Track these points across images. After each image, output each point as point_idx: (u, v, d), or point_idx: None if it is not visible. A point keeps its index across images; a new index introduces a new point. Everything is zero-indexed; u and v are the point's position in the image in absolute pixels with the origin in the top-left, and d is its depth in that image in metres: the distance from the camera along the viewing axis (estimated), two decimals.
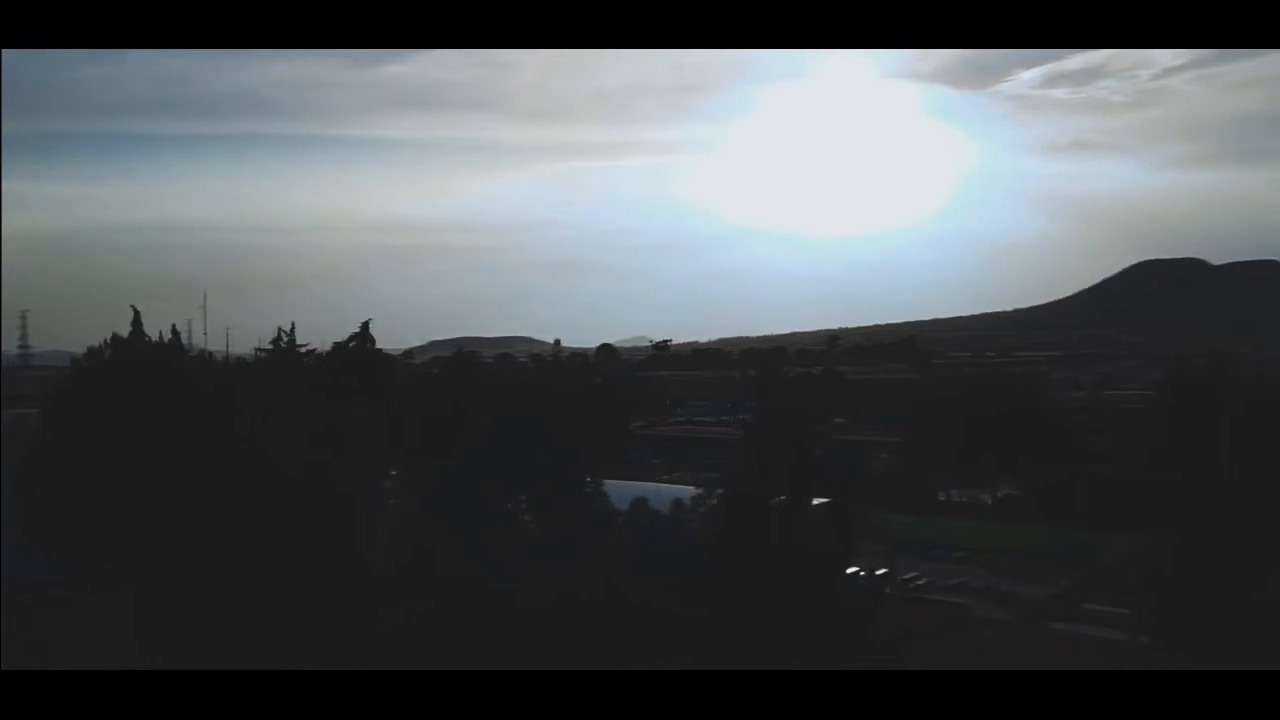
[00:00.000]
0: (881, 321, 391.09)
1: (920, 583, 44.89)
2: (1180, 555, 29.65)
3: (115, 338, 43.70)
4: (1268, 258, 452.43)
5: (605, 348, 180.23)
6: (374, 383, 46.38)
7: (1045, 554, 48.65)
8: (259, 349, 50.03)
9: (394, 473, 39.60)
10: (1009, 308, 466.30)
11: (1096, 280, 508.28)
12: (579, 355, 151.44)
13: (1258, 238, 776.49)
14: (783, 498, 26.22)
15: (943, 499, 67.44)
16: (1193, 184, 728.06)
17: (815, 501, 27.91)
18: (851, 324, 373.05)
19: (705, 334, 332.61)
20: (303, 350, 48.34)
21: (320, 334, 52.86)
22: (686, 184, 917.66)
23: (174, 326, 47.34)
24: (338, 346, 49.94)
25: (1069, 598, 42.14)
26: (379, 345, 52.88)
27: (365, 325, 50.30)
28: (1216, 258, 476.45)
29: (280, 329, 47.02)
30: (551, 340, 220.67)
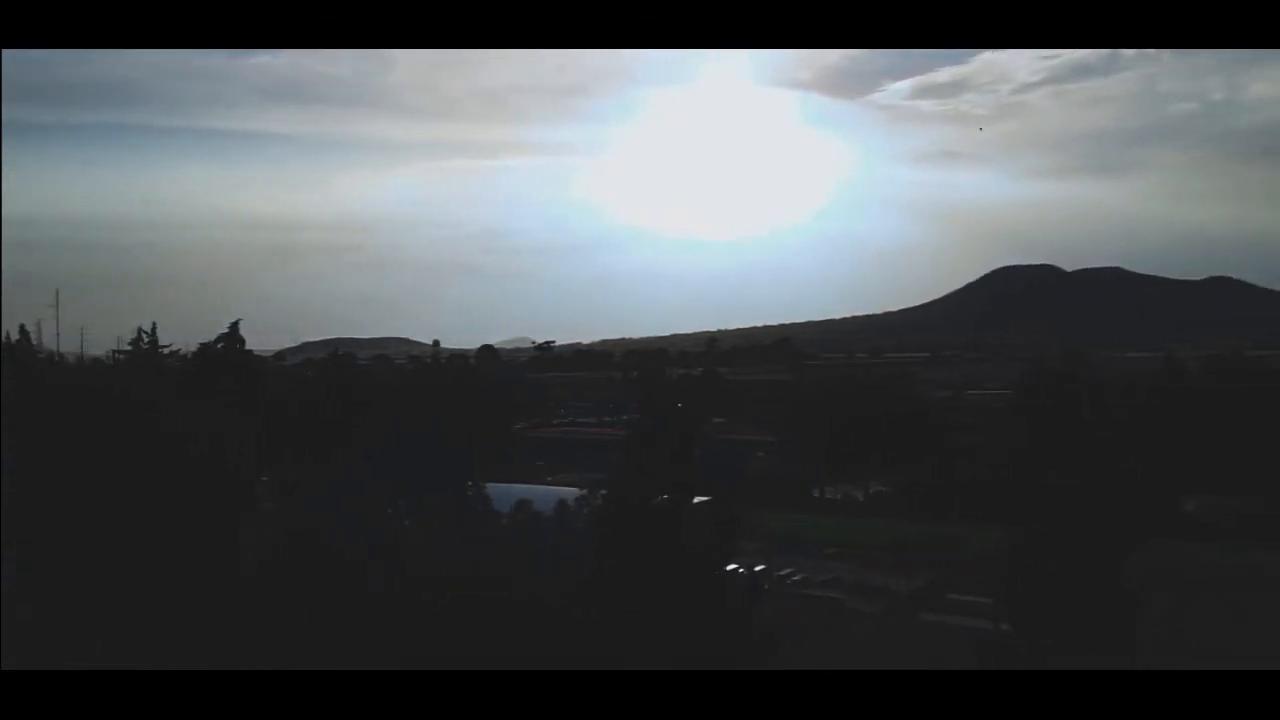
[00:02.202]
0: (758, 323, 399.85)
1: (796, 578, 46.07)
2: (1038, 546, 31.26)
3: None
4: (1114, 264, 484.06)
5: (486, 349, 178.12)
6: (243, 385, 44.66)
7: (913, 548, 50.63)
8: (115, 350, 47.47)
9: (265, 478, 38.23)
10: (879, 310, 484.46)
11: (960, 284, 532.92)
12: (459, 356, 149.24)
13: (1106, 245, 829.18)
14: (665, 497, 26.45)
15: (817, 496, 69.39)
16: (1049, 193, 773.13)
17: (697, 500, 28.26)
18: (730, 326, 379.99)
19: (588, 335, 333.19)
20: (165, 351, 46.16)
21: (188, 335, 50.62)
22: (569, 185, 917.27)
23: (22, 326, 44.57)
24: (204, 347, 47.92)
25: (936, 589, 44.00)
26: (249, 346, 50.97)
27: (234, 325, 48.45)
28: (1069, 264, 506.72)
29: (140, 329, 44.83)
30: (430, 341, 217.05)
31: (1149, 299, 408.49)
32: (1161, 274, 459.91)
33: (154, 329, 44.79)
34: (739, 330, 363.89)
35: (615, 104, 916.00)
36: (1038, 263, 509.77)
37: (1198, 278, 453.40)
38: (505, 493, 31.00)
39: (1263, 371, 63.08)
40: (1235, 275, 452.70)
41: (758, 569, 40.02)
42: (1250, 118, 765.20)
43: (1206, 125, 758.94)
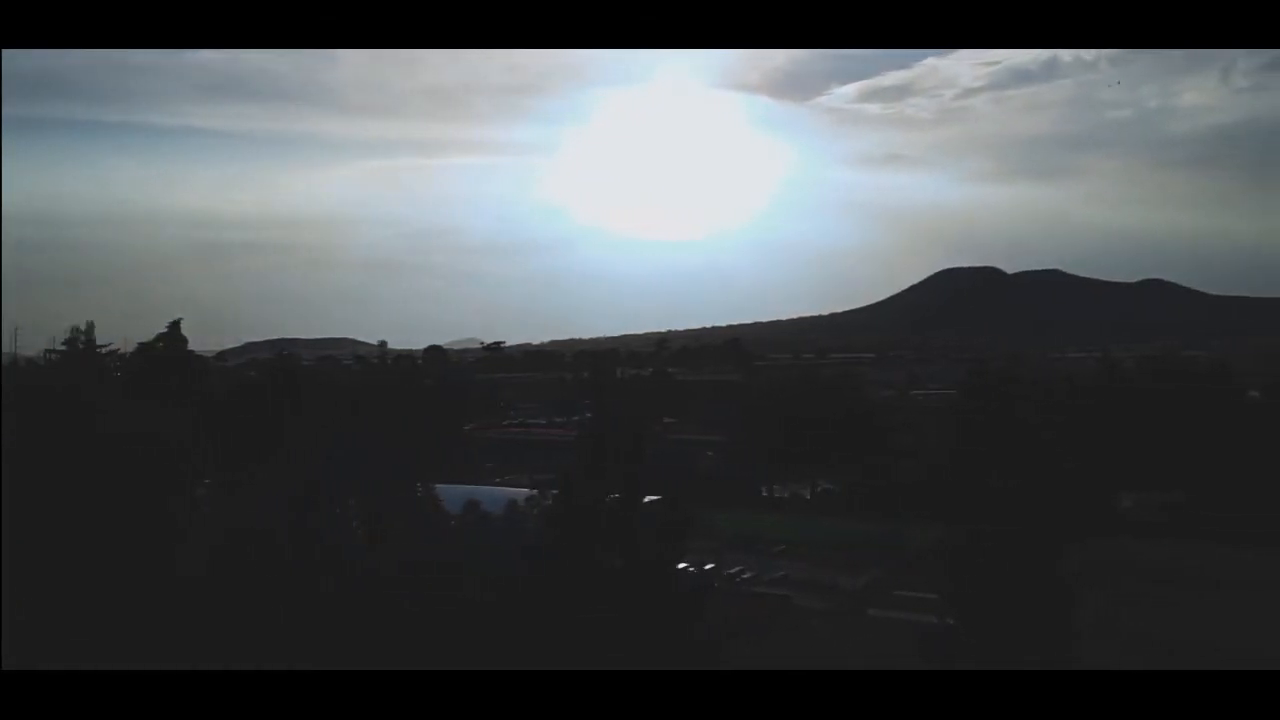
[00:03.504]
0: (708, 324, 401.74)
1: (745, 577, 46.42)
2: (979, 543, 31.88)
3: None
4: (1053, 267, 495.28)
5: (434, 349, 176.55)
6: (185, 385, 43.82)
7: (860, 545, 51.33)
8: (49, 350, 46.25)
9: (207, 480, 37.52)
10: (825, 312, 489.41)
11: (905, 286, 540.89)
12: (407, 357, 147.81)
13: (1045, 248, 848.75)
14: (616, 497, 26.53)
15: (765, 495, 70.01)
16: (991, 197, 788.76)
17: (647, 500, 28.38)
18: (680, 327, 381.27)
19: (538, 336, 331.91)
20: (103, 351, 45.11)
21: (126, 334, 49.51)
22: (519, 184, 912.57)
23: None
24: (144, 347, 46.93)
25: (882, 586, 44.65)
26: (190, 347, 50.00)
27: (175, 324, 47.52)
28: (1010, 266, 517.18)
29: (76, 328, 43.74)
30: (377, 342, 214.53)
31: (1087, 300, 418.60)
32: (1098, 276, 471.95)
33: (90, 328, 43.78)
34: (689, 331, 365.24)
35: (565, 104, 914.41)
36: (980, 265, 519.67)
37: (1133, 280, 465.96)
38: (454, 494, 30.83)
39: (1194, 372, 65.06)
40: (1168, 278, 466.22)
41: (707, 567, 40.26)
42: (1182, 125, 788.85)
43: (1141, 132, 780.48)
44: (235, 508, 29.06)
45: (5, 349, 49.69)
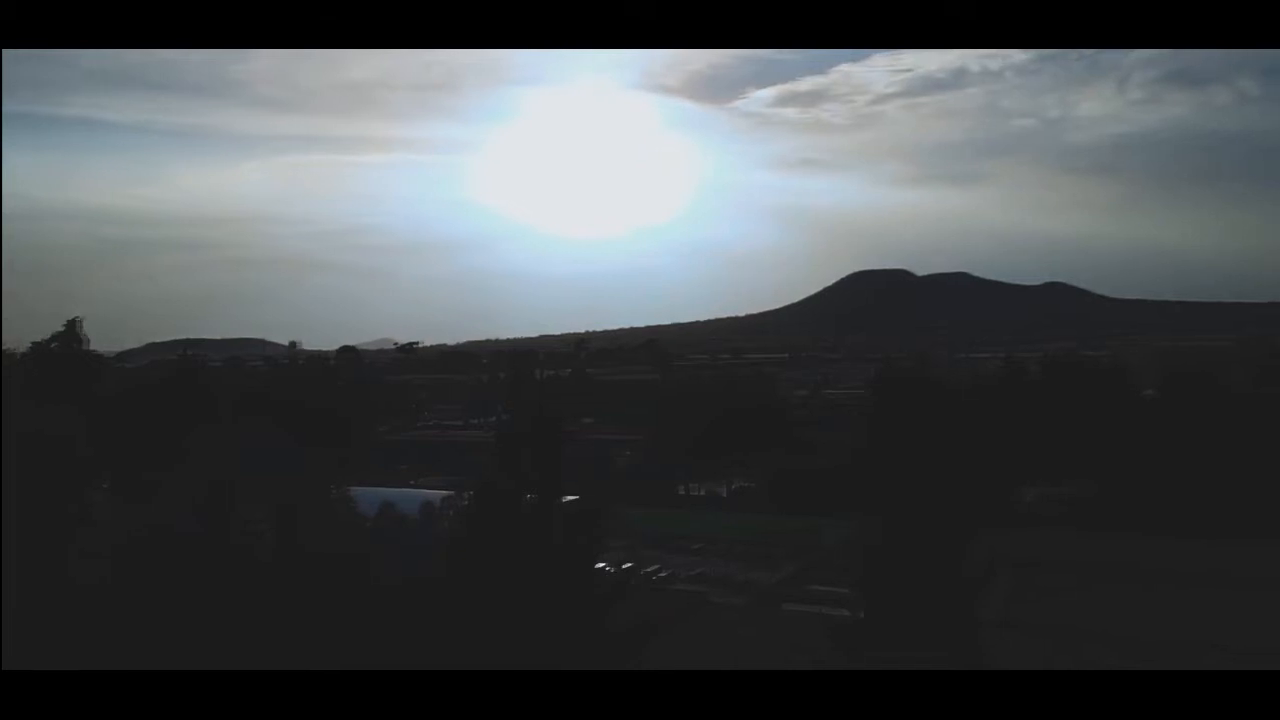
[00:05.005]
0: (626, 325, 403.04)
1: (663, 574, 46.72)
2: (889, 537, 32.69)
3: None
4: (961, 269, 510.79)
5: (347, 350, 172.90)
6: (83, 387, 42.04)
7: (776, 541, 52.13)
8: None
9: (105, 485, 36.14)
10: (741, 313, 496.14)
11: (819, 288, 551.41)
12: (318, 358, 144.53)
13: (953, 251, 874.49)
14: (533, 496, 26.42)
15: (683, 493, 70.56)
16: (901, 201, 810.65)
17: (565, 499, 28.34)
18: (599, 328, 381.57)
19: (454, 336, 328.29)
20: None
21: (19, 333, 47.19)
22: (435, 183, 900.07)
23: None
24: (37, 346, 44.87)
25: (797, 580, 45.43)
26: (90, 347, 47.93)
27: (71, 324, 45.50)
28: (920, 269, 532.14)
29: None
30: (287, 342, 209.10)
31: (992, 302, 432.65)
32: (1003, 279, 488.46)
33: None
34: (607, 332, 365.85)
35: (483, 102, 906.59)
36: (891, 267, 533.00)
37: (1036, 283, 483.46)
38: (368, 496, 30.30)
39: (1093, 371, 67.69)
40: (1068, 281, 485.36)
41: (625, 566, 40.36)
42: (1080, 135, 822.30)
43: (1044, 140, 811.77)
44: (135, 512, 28.06)
45: None
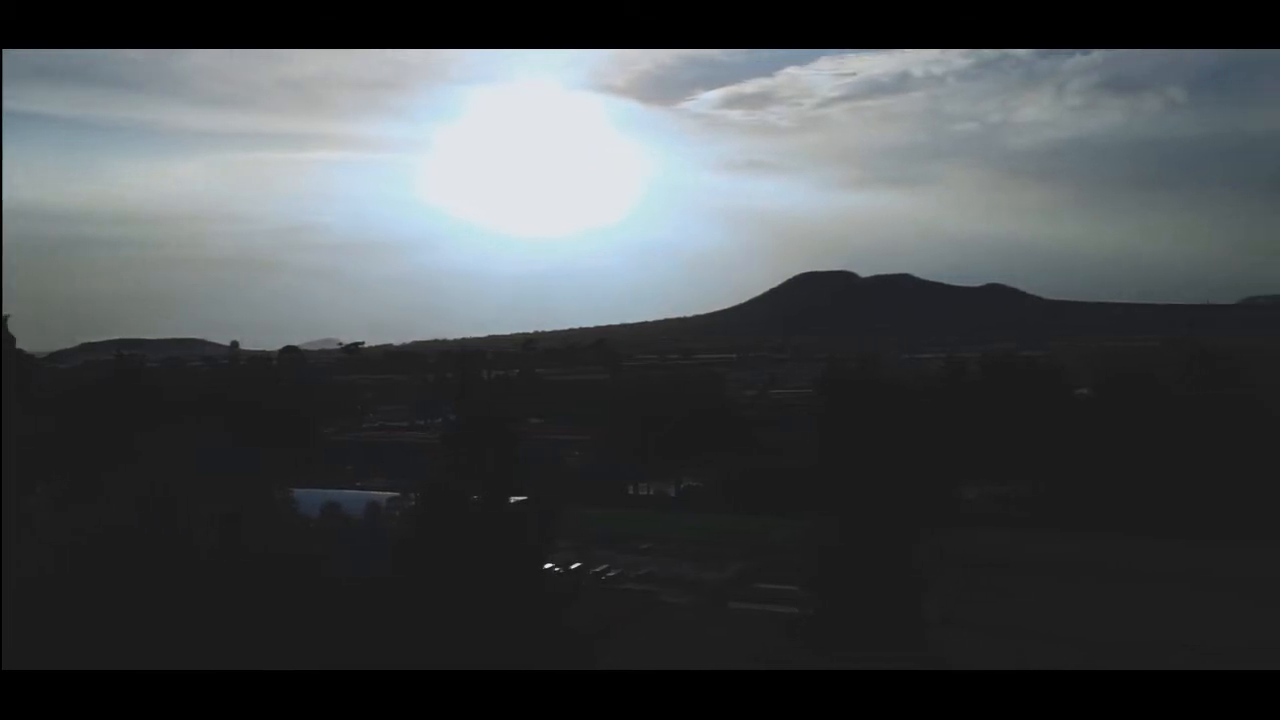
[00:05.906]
0: (575, 326, 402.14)
1: (612, 574, 46.70)
2: (835, 535, 33.11)
3: None
4: (905, 271, 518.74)
5: (290, 350, 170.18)
6: (14, 388, 40.79)
7: (724, 540, 52.41)
8: None
9: (39, 489, 35.14)
10: (690, 314, 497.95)
11: (765, 289, 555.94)
12: (260, 358, 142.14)
13: (897, 253, 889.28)
14: (482, 496, 26.29)
15: (632, 493, 70.64)
16: (847, 204, 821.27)
17: (514, 499, 28.24)
18: (547, 328, 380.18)
19: (400, 336, 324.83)
20: None
21: None
22: (380, 181, 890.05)
23: None
24: None
25: (745, 579, 45.73)
26: (19, 346, 46.56)
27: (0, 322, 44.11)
28: (865, 270, 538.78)
29: None
30: (229, 342, 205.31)
31: (935, 304, 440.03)
32: (946, 281, 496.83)
33: None
34: (556, 332, 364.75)
35: (430, 100, 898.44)
36: (837, 269, 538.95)
37: (977, 285, 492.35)
38: (312, 498, 29.90)
39: (1032, 371, 69.22)
40: (1008, 283, 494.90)
41: (574, 566, 40.31)
42: (1020, 140, 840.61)
43: (985, 145, 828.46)
44: (78, 513, 27.34)
45: None
